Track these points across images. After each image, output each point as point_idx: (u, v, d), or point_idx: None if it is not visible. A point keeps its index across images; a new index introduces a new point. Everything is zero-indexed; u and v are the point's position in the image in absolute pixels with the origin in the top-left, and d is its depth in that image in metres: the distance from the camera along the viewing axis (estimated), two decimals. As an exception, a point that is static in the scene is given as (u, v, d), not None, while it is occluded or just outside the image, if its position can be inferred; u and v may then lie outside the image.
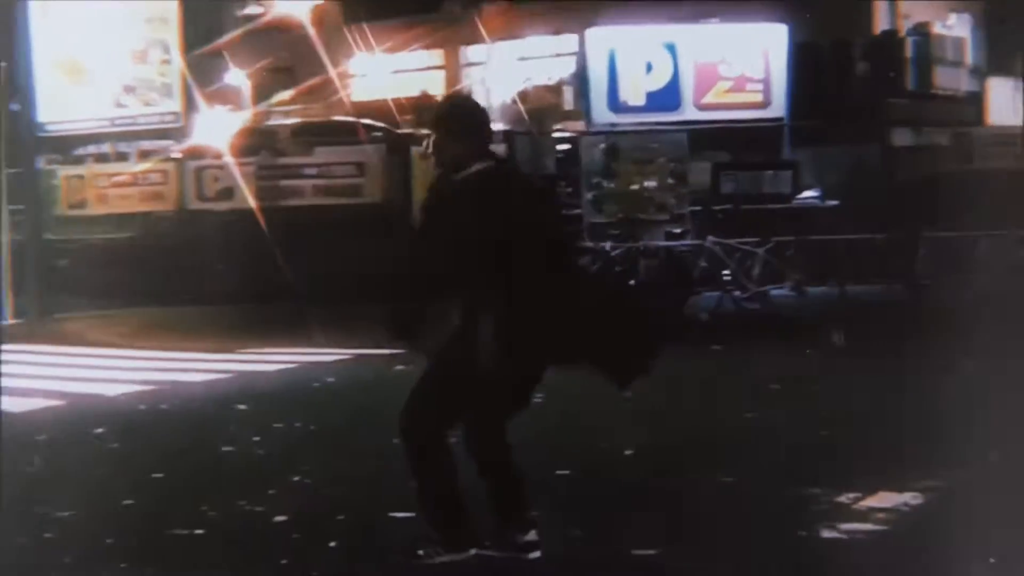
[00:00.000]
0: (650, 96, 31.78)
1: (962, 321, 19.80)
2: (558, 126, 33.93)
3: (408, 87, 48.31)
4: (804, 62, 34.15)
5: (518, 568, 7.18)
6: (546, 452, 9.59)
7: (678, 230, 23.76)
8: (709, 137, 29.76)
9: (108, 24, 33.82)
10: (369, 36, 44.93)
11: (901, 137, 36.08)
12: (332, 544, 7.92)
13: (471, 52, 49.42)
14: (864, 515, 8.29)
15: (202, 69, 36.72)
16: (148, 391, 14.54)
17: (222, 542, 8.13)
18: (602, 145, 25.49)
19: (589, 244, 22.70)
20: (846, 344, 17.34)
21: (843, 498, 8.66)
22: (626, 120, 30.95)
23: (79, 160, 33.41)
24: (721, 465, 9.77)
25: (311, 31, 41.07)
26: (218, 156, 28.72)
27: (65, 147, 34.38)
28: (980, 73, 42.60)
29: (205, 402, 13.77)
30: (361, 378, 15.53)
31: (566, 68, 39.11)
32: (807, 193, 29.40)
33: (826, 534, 7.87)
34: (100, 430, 12.03)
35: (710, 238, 21.38)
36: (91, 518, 8.66)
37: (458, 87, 38.86)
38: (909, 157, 34.09)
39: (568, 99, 38.19)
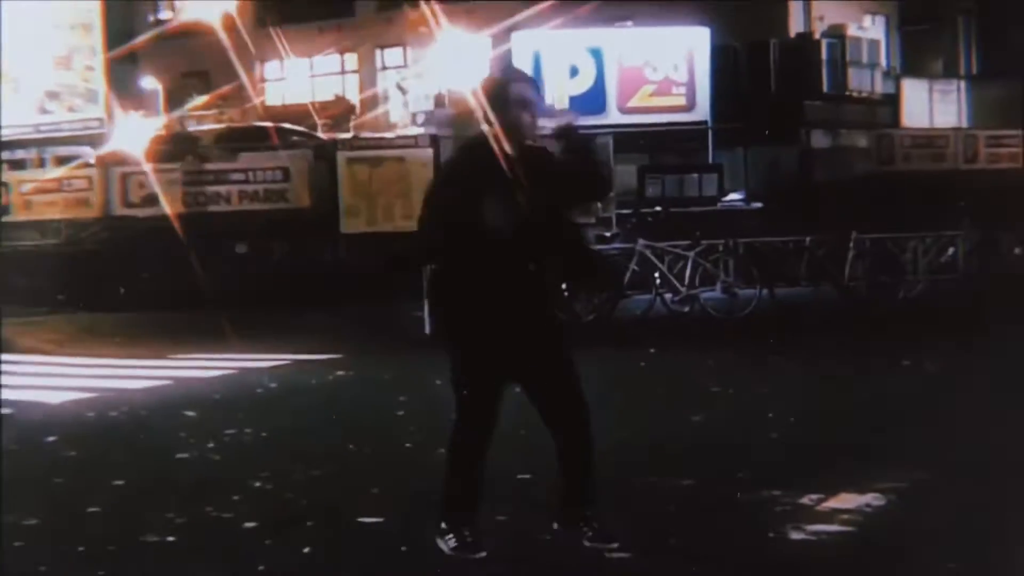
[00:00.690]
0: (574, 100, 31.82)
1: (891, 322, 20.22)
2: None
3: (323, 91, 48.37)
4: (723, 65, 34.40)
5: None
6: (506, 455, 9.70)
7: (608, 233, 23.91)
8: (634, 141, 29.97)
9: (31, 30, 33.48)
10: (283, 40, 44.87)
11: (819, 139, 36.43)
12: (306, 550, 7.97)
13: (387, 56, 49.49)
14: (814, 514, 8.47)
15: (116, 75, 36.45)
16: (92, 399, 14.48)
17: (194, 549, 8.16)
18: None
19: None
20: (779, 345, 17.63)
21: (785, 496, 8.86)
22: (550, 124, 30.93)
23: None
24: (667, 466, 10.00)
25: (223, 36, 40.87)
26: (141, 162, 28.59)
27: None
28: (895, 75, 43.11)
29: (152, 409, 13.73)
30: (304, 383, 15.59)
31: (485, 72, 39.16)
32: (731, 196, 29.73)
33: (772, 534, 8.03)
34: (52, 438, 11.99)
35: (641, 241, 21.51)
36: (59, 525, 8.71)
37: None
38: (828, 159, 34.52)
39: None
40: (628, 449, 10.68)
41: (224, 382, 15.90)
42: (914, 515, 8.46)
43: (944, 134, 34.12)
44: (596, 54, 32.31)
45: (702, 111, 32.48)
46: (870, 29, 42.99)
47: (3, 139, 30.79)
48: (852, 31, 40.12)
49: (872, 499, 8.72)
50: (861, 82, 39.67)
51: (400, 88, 43.61)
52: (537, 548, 7.77)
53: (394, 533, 7.99)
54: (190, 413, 13.37)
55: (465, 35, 40.23)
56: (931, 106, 42.36)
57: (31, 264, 26.81)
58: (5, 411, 13.51)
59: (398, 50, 48.98)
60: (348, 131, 37.35)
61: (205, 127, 37.63)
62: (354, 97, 47.91)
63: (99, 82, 33.76)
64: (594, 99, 32.01)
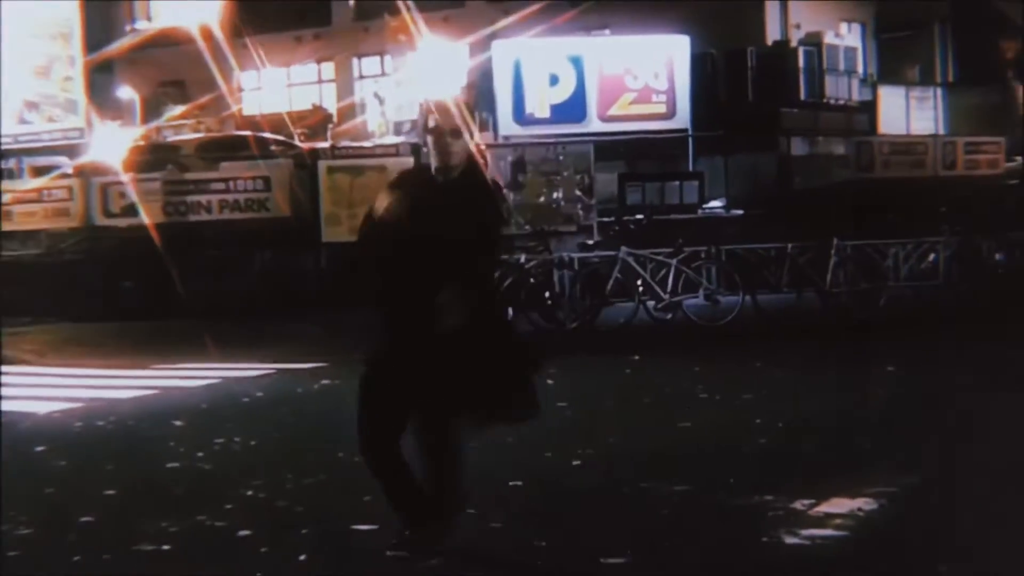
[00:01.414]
0: (555, 108, 31.87)
1: (874, 327, 20.31)
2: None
3: (300, 100, 48.39)
4: (701, 73, 34.45)
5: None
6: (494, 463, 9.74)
7: (591, 241, 23.95)
8: (615, 149, 30.03)
9: (9, 40, 33.40)
10: (260, 50, 44.84)
11: (798, 146, 36.58)
12: (301, 558, 7.99)
13: (364, 64, 49.51)
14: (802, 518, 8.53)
15: (92, 84, 36.39)
16: (79, 408, 14.46)
17: (189, 558, 8.17)
18: (509, 158, 25.69)
19: (503, 256, 22.79)
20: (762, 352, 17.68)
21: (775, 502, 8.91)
22: (532, 132, 31.03)
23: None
24: (658, 471, 10.02)
25: (200, 45, 40.87)
26: (119, 172, 28.55)
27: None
28: (872, 82, 43.27)
29: (140, 419, 13.71)
30: (289, 392, 15.56)
31: (466, 80, 39.20)
32: (712, 203, 29.79)
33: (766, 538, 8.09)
34: (41, 448, 11.98)
35: (624, 249, 21.54)
36: (53, 535, 8.71)
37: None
38: (807, 166, 34.68)
39: (472, 112, 38.25)
40: (618, 455, 10.74)
41: (210, 391, 15.88)
42: (904, 519, 8.52)
43: (923, 141, 34.25)
44: (576, 62, 32.32)
45: (682, 119, 32.51)
46: (847, 36, 43.13)
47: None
48: (829, 39, 40.25)
49: (864, 503, 8.78)
50: (838, 89, 39.82)
51: (377, 97, 43.64)
52: (532, 554, 7.81)
53: (388, 540, 8.00)
54: (178, 423, 13.36)
55: (443, 43, 40.26)
56: (908, 113, 42.53)
57: (12, 274, 26.71)
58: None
59: (375, 59, 49.03)
60: (326, 140, 37.37)
61: (184, 137, 37.59)
62: (331, 106, 47.95)
63: (78, 92, 33.69)
64: (574, 107, 32.05)
